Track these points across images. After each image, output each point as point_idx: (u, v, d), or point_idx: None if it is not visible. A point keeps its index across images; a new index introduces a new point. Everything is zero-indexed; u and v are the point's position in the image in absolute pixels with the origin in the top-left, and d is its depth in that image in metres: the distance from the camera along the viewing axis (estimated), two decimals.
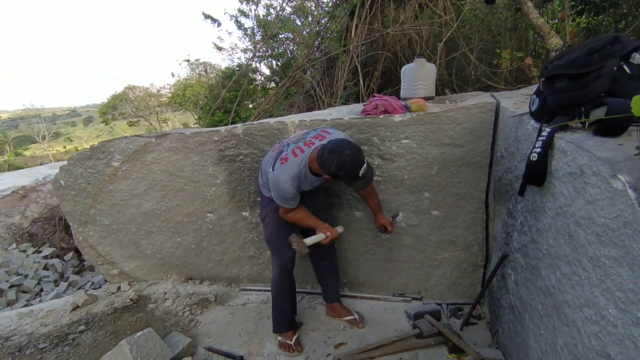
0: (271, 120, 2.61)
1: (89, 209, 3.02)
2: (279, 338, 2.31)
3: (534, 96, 1.64)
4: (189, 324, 2.58)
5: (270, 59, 12.96)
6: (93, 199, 2.97)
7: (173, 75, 23.08)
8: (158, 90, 22.89)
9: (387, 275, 2.79)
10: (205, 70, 14.93)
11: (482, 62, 4.58)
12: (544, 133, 1.45)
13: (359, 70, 4.84)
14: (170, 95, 23.19)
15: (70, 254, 6.59)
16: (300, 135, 2.03)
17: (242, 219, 2.88)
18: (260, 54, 11.34)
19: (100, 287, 5.18)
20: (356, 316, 2.47)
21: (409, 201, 2.52)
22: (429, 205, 2.51)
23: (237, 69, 11.94)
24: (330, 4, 5.77)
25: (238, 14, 11.65)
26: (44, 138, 23.90)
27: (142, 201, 2.92)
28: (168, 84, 23.51)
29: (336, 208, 2.66)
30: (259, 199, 2.77)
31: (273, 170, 1.90)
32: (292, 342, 2.26)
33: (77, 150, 24.25)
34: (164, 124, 26.46)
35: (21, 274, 5.85)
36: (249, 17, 11.42)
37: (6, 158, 22.39)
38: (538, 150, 1.44)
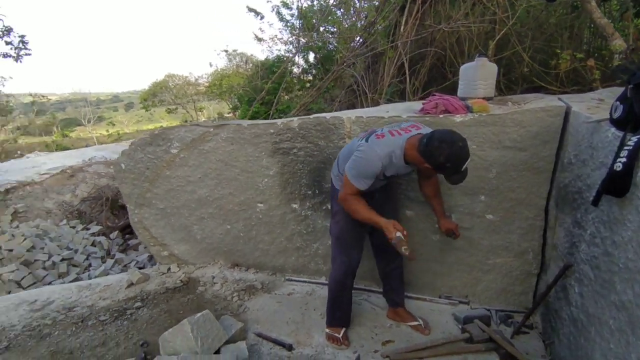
0: (327, 116, 2.63)
1: (145, 192, 3.17)
2: (327, 330, 2.35)
3: (617, 102, 1.57)
4: (238, 309, 2.68)
5: (308, 52, 12.97)
6: (150, 183, 3.11)
7: (211, 65, 23.54)
8: (196, 80, 23.48)
9: (434, 277, 2.77)
10: (245, 62, 15.10)
11: (535, 62, 4.41)
12: (630, 142, 1.39)
13: (406, 67, 4.76)
14: (207, 84, 23.76)
15: (115, 233, 6.95)
16: (392, 124, 2.03)
17: (291, 210, 2.94)
18: (301, 46, 11.38)
19: (144, 266, 5.44)
20: (421, 322, 2.41)
21: (463, 203, 2.48)
22: (484, 208, 2.46)
23: (276, 60, 12.05)
24: None
25: (280, 6, 11.71)
26: (89, 121, 25.18)
27: (196, 188, 3.03)
28: (206, 74, 23.97)
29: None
30: (309, 192, 2.83)
31: (367, 142, 1.87)
32: (340, 336, 2.29)
33: (118, 134, 25.35)
34: (200, 112, 27.15)
35: (71, 249, 6.22)
36: (291, 9, 11.46)
37: (54, 138, 23.69)
38: (623, 160, 1.38)
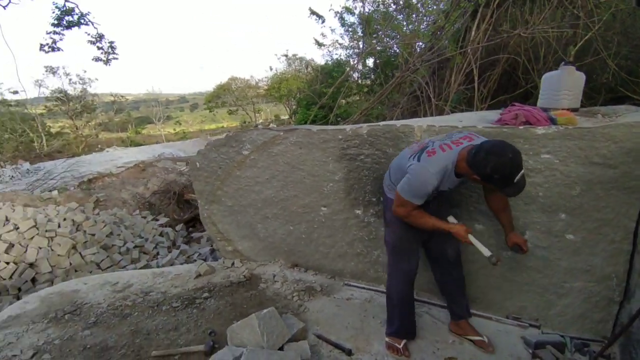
0: (397, 123, 2.62)
1: (216, 190, 3.37)
2: (387, 339, 2.34)
3: None
4: (298, 308, 2.74)
5: (368, 56, 12.96)
6: (221, 181, 3.30)
7: (271, 69, 24.37)
8: (256, 83, 24.40)
9: (502, 295, 2.63)
10: (306, 66, 15.45)
11: (621, 70, 4.04)
12: None
13: (475, 73, 4.59)
14: (266, 87, 24.65)
15: (181, 225, 7.45)
16: (443, 136, 2.00)
17: (354, 216, 2.96)
18: (364, 51, 11.41)
19: (205, 258, 5.76)
20: (485, 338, 2.32)
21: (540, 221, 2.34)
22: (564, 227, 2.29)
23: (336, 65, 12.20)
24: (448, 3, 5.53)
25: (343, 11, 11.85)
26: (159, 120, 27.31)
27: (263, 188, 3.17)
28: (266, 77, 24.87)
29: (456, 219, 2.58)
30: (374, 199, 2.83)
31: (419, 161, 1.87)
32: (400, 346, 2.26)
33: (183, 132, 27.14)
34: (258, 114, 28.20)
35: (142, 237, 6.75)
36: (353, 14, 11.55)
37: (129, 135, 25.92)
38: None
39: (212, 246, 6.18)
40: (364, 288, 3.00)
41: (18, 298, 5.07)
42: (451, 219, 2.06)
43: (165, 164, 13.54)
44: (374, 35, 11.99)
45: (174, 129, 28.63)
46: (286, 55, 23.82)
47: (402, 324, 2.33)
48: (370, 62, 13.15)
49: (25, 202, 7.17)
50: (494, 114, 2.53)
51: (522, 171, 1.68)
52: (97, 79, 25.00)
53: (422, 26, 9.36)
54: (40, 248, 5.59)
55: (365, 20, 11.49)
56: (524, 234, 2.38)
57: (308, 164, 2.94)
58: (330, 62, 12.69)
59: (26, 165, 15.26)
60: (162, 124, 27.62)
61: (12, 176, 13.49)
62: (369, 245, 2.98)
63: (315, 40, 12.55)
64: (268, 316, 2.17)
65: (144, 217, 7.69)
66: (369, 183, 2.78)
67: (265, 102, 29.73)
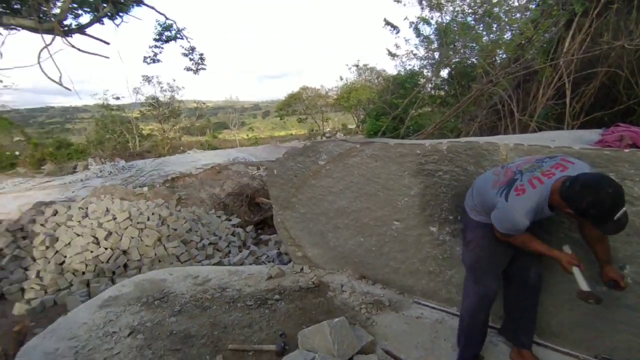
0: (480, 140, 2.52)
1: (291, 197, 3.52)
2: None
3: None
4: (366, 321, 2.75)
5: (443, 67, 12.60)
6: (296, 189, 3.45)
7: (341, 79, 24.76)
8: (326, 92, 24.94)
9: (591, 333, 2.38)
10: (377, 77, 15.47)
11: None
12: None
13: (567, 87, 4.24)
14: (336, 97, 25.12)
15: (251, 227, 7.84)
16: (533, 163, 1.88)
17: (428, 233, 2.89)
18: (439, 62, 11.14)
19: (273, 260, 5.99)
20: None
21: None
22: None
23: (409, 76, 12.02)
24: (537, 12, 5.19)
25: (418, 21, 11.68)
26: (234, 126, 29.23)
27: (336, 199, 3.24)
28: (336, 87, 25.34)
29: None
30: (450, 217, 2.74)
31: (507, 200, 1.80)
32: None
33: (255, 138, 28.69)
34: (325, 123, 28.77)
35: (217, 235, 7.23)
36: (430, 25, 11.33)
37: (207, 139, 28.01)
38: None
39: (279, 249, 6.42)
40: (434, 308, 2.91)
41: (112, 280, 5.74)
42: (566, 248, 1.97)
43: (238, 168, 14.42)
44: (451, 46, 11.64)
45: (247, 135, 30.39)
46: (357, 66, 24.11)
47: (474, 349, 2.23)
48: (444, 73, 12.78)
49: (122, 196, 8.11)
50: (592, 134, 2.32)
51: (624, 209, 1.53)
52: (184, 87, 27.59)
53: (505, 36, 8.87)
54: (132, 238, 6.26)
55: (443, 31, 11.20)
56: (623, 269, 2.14)
57: (383, 177, 2.95)
58: (403, 73, 12.53)
59: (122, 162, 17.25)
60: (236, 129, 29.52)
61: (111, 171, 15.33)
62: (442, 264, 2.89)
63: (388, 50, 12.49)
64: (339, 325, 2.21)
65: (219, 217, 8.25)
66: (447, 200, 2.71)
67: (333, 111, 30.26)
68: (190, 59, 8.10)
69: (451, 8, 11.75)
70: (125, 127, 23.05)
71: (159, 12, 6.99)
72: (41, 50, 4.30)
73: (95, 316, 2.94)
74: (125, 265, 6.04)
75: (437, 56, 12.67)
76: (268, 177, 3.71)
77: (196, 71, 8.21)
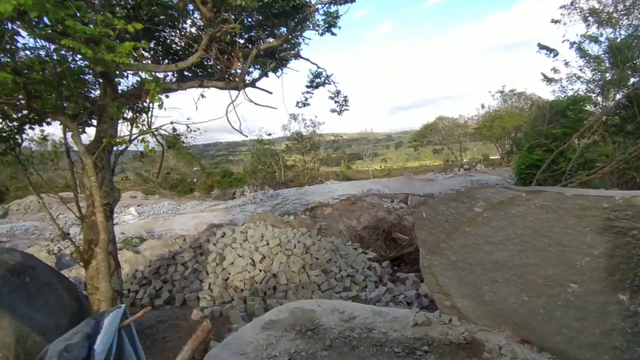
0: None
1: (440, 242, 3.39)
2: None
3: None
4: None
5: (618, 89, 10.67)
6: (447, 235, 3.31)
7: (483, 107, 23.17)
8: (465, 122, 23.64)
9: None
10: (531, 105, 13.97)
11: None
12: None
13: None
14: (476, 126, 23.53)
15: (387, 262, 7.80)
16: None
17: (616, 301, 2.39)
18: (610, 83, 9.46)
19: (411, 302, 5.79)
20: None
21: None
22: None
23: (570, 102, 10.46)
24: None
25: (583, 40, 10.22)
26: (368, 157, 30.15)
27: (495, 250, 2.98)
28: (476, 115, 23.81)
29: None
30: None
31: None
32: None
33: (388, 170, 28.90)
34: (463, 153, 27.06)
35: (354, 268, 7.41)
36: (599, 43, 9.78)
37: (341, 169, 29.50)
38: None
39: (417, 290, 6.19)
40: None
41: (264, 300, 6.43)
42: None
43: (372, 199, 14.69)
44: (629, 64, 9.78)
45: (380, 166, 30.88)
46: (502, 92, 22.28)
47: None
48: (620, 95, 10.77)
49: (273, 223, 9.13)
50: None
51: None
52: (324, 122, 30.07)
53: None
54: (281, 263, 6.95)
55: (617, 48, 9.51)
56: None
57: (556, 231, 2.59)
58: (563, 98, 11.00)
59: (270, 190, 19.53)
60: (370, 160, 30.37)
61: (262, 199, 17.49)
62: (632, 339, 2.34)
63: (544, 75, 11.19)
64: None
65: (355, 249, 8.48)
66: None
67: (472, 140, 28.38)
68: (335, 102, 8.79)
69: (626, 22, 9.97)
70: (274, 159, 26.21)
71: (312, 63, 7.88)
72: (229, 105, 5.39)
73: (259, 337, 3.33)
74: (274, 288, 6.70)
75: (609, 77, 10.76)
76: (416, 220, 3.67)
77: (340, 112, 8.85)
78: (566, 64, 11.97)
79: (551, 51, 10.81)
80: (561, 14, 11.00)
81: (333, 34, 7.13)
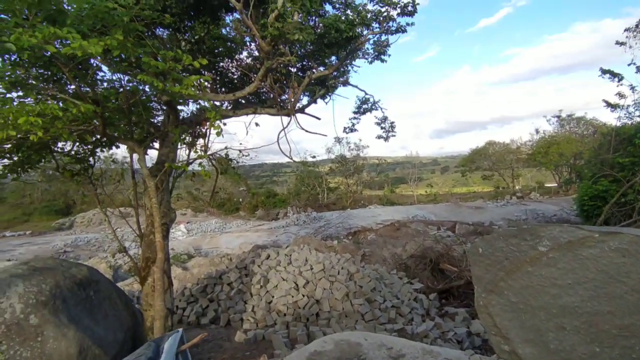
0: None
1: (499, 280, 3.19)
2: None
3: None
4: None
5: None
6: (506, 273, 3.11)
7: (537, 132, 22.05)
8: (518, 147, 22.56)
9: None
10: (594, 133, 13.11)
11: None
12: None
13: None
14: (530, 151, 22.32)
15: (434, 295, 7.45)
16: None
17: None
18: None
19: (461, 340, 5.46)
20: None
21: None
22: None
23: (639, 129, 9.63)
24: None
25: None
26: (412, 181, 29.53)
27: (562, 293, 2.75)
28: (529, 140, 22.67)
29: None
30: None
31: None
32: None
33: (434, 195, 28.07)
34: (515, 180, 25.69)
35: (399, 299, 7.15)
36: None
37: (384, 193, 29.11)
38: None
39: (468, 328, 5.83)
40: None
41: (306, 326, 6.35)
42: None
43: (417, 226, 14.25)
44: None
45: (425, 191, 30.05)
46: (558, 116, 21.12)
47: None
48: None
49: (316, 246, 9.13)
50: None
51: None
52: (368, 146, 30.17)
53: None
54: (324, 289, 6.88)
55: None
56: None
57: (634, 277, 2.36)
58: (630, 125, 10.19)
59: (313, 213, 19.64)
60: (414, 184, 29.72)
61: (304, 221, 17.60)
62: None
63: (606, 102, 10.47)
64: None
65: (400, 278, 8.20)
66: None
67: (525, 167, 26.91)
68: (382, 128, 8.79)
69: None
70: (317, 181, 26.47)
71: (360, 89, 7.99)
72: (280, 132, 5.59)
73: None
74: (317, 314, 6.62)
75: None
76: (471, 254, 3.50)
77: (387, 139, 8.81)
78: (632, 88, 11.12)
79: (615, 75, 10.14)
80: (626, 37, 10.42)
81: (383, 61, 7.21)
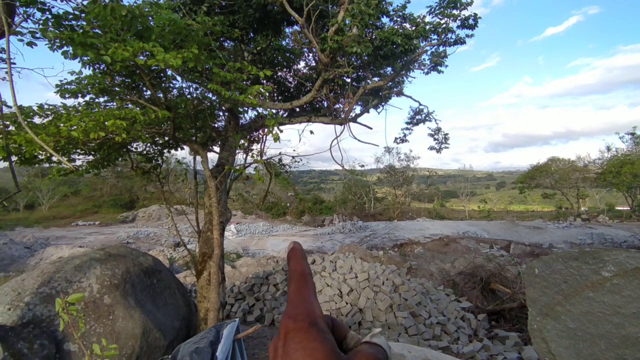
0: None
1: (556, 304, 3.05)
2: None
3: None
4: None
5: None
6: (564, 297, 2.97)
7: (609, 149, 20.28)
8: (585, 165, 20.88)
9: None
10: None
11: None
12: None
13: None
14: (599, 170, 20.55)
15: (483, 316, 7.14)
16: None
17: None
18: None
19: None
20: None
21: None
22: None
23: None
24: None
25: None
26: (464, 195, 28.34)
27: (626, 323, 2.58)
28: (599, 158, 20.90)
29: None
30: None
31: None
32: None
33: (488, 212, 26.71)
34: (582, 201, 23.73)
35: (445, 316, 6.95)
36: None
37: (434, 206, 28.22)
38: None
39: (519, 353, 5.53)
40: None
41: None
42: None
43: (468, 243, 13.69)
44: None
45: (478, 207, 28.66)
46: (633, 134, 19.32)
47: None
48: None
49: (361, 255, 9.14)
50: None
51: None
52: (419, 157, 29.51)
53: None
54: (368, 298, 6.87)
55: None
56: None
57: None
58: None
59: (359, 222, 19.60)
60: (467, 199, 28.49)
61: (350, 229, 17.62)
62: None
63: None
64: None
65: (448, 295, 7.96)
66: None
67: (593, 187, 24.78)
68: (435, 139, 8.64)
69: None
70: (364, 190, 26.35)
71: (414, 100, 7.94)
72: (333, 140, 5.75)
73: None
74: (359, 323, 6.63)
75: None
76: (526, 275, 3.37)
77: (439, 150, 8.65)
78: None
79: None
80: None
81: (440, 72, 7.13)
